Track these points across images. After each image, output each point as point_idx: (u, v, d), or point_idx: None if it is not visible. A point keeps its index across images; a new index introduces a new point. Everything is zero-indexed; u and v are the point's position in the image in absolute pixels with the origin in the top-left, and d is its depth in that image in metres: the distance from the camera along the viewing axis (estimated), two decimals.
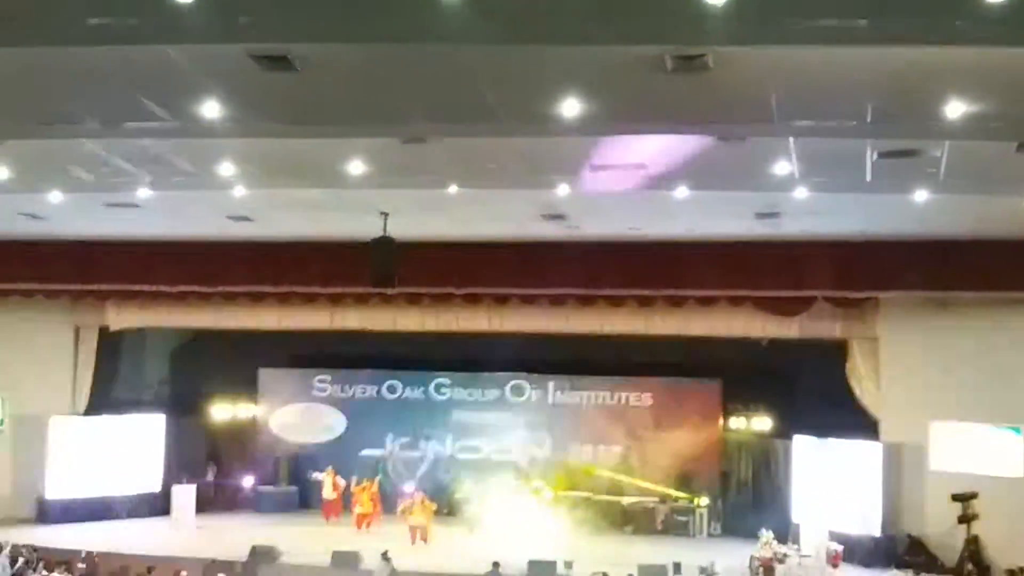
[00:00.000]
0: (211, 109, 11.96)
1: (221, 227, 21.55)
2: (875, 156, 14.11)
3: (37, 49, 10.32)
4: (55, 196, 18.18)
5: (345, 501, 27.13)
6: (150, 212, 19.56)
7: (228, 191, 17.32)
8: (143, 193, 17.73)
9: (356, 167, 15.31)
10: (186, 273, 24.25)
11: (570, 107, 11.61)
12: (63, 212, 19.71)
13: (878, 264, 21.69)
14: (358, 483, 26.86)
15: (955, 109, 11.29)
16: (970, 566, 21.71)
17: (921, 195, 16.28)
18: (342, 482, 27.25)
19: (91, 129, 13.41)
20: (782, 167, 14.69)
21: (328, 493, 27.30)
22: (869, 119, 11.93)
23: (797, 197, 16.63)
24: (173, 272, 24.27)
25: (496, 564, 20.75)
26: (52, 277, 24.66)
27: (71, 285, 25.18)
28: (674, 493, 27.27)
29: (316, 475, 27.88)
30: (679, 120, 12.53)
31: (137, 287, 25.05)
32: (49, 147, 14.84)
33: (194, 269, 24.10)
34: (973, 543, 21.97)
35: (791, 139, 13.58)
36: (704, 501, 26.94)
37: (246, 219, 20.55)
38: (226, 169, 15.74)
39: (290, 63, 10.39)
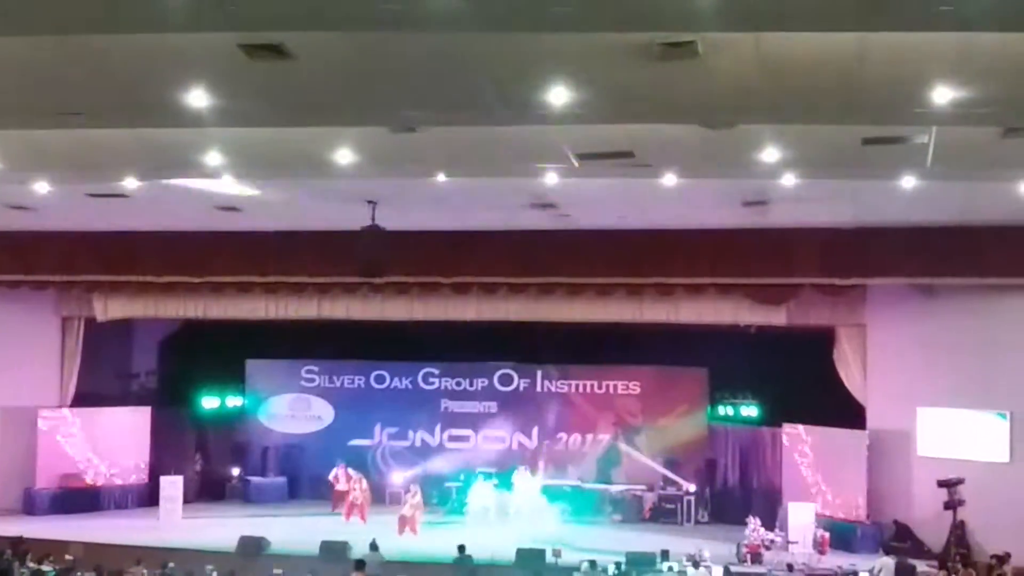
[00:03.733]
0: (198, 98, 11.87)
1: (208, 217, 21.45)
2: (862, 143, 14.06)
3: (22, 39, 10.26)
4: (41, 187, 18.15)
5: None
6: (137, 202, 19.49)
7: (216, 181, 17.25)
8: (130, 183, 17.70)
9: (344, 156, 15.21)
10: (173, 264, 24.14)
11: (558, 95, 11.56)
12: (49, 203, 19.65)
13: (865, 251, 21.70)
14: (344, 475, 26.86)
15: (942, 95, 11.28)
16: (956, 551, 21.64)
17: (908, 181, 16.38)
18: (354, 475, 26.77)
19: (77, 119, 13.30)
20: (770, 154, 14.64)
21: (343, 487, 26.82)
22: (856, 105, 11.93)
23: (785, 184, 16.66)
24: (160, 263, 24.17)
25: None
26: (38, 268, 24.55)
27: (57, 276, 25.06)
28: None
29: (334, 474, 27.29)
30: (668, 107, 12.47)
31: (124, 278, 24.94)
32: (34, 137, 14.74)
33: (181, 260, 23.99)
34: (959, 528, 22.03)
35: (779, 126, 13.55)
36: (692, 488, 26.98)
37: (234, 209, 20.45)
38: (213, 159, 15.61)
39: (279, 52, 10.35)
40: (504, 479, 27.10)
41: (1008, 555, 19.59)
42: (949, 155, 14.58)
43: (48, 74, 11.51)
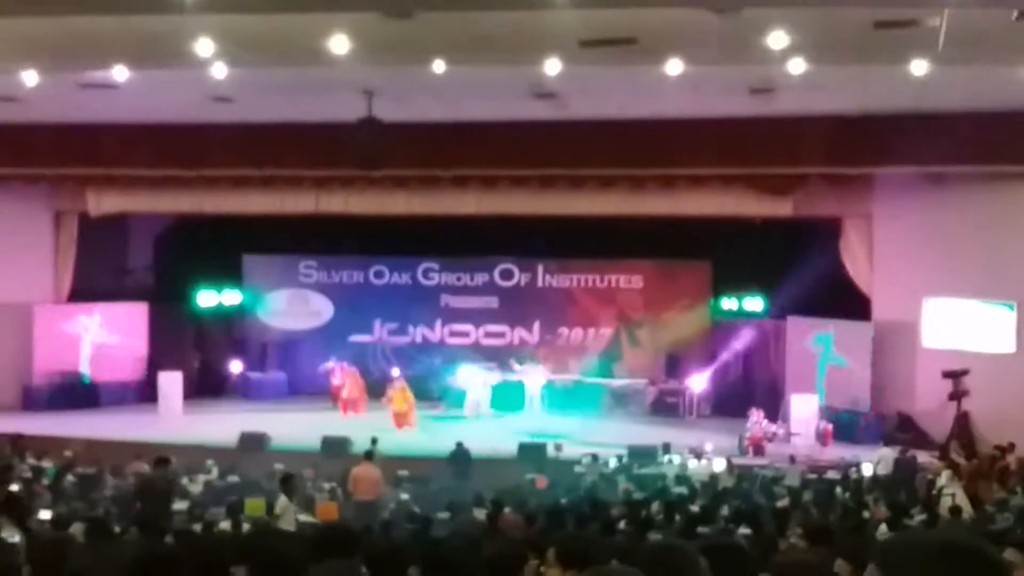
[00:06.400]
0: None
1: (202, 109, 20.97)
2: (873, 26, 13.75)
3: None
4: (29, 77, 17.63)
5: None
6: (129, 93, 18.92)
7: (208, 70, 16.74)
8: (120, 73, 17.26)
9: (339, 44, 14.80)
10: (167, 156, 23.65)
11: None
12: (40, 94, 19.03)
13: (873, 139, 21.33)
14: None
15: None
16: (959, 442, 21.56)
17: (919, 67, 15.98)
18: (348, 369, 26.90)
19: (63, 6, 12.99)
20: (778, 39, 14.34)
21: (336, 381, 26.95)
22: None
23: (792, 71, 16.27)
24: (154, 155, 23.65)
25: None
26: (30, 161, 24.03)
27: (50, 169, 24.59)
28: None
29: (326, 367, 27.50)
30: None
31: (118, 171, 24.43)
32: (19, 26, 14.29)
33: (176, 152, 23.52)
34: (963, 420, 22.02)
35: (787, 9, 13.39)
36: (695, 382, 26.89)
37: (227, 100, 19.97)
38: (205, 47, 15.13)
39: None
40: (505, 374, 27.10)
41: (1012, 446, 19.64)
42: (961, 39, 14.17)
43: None
